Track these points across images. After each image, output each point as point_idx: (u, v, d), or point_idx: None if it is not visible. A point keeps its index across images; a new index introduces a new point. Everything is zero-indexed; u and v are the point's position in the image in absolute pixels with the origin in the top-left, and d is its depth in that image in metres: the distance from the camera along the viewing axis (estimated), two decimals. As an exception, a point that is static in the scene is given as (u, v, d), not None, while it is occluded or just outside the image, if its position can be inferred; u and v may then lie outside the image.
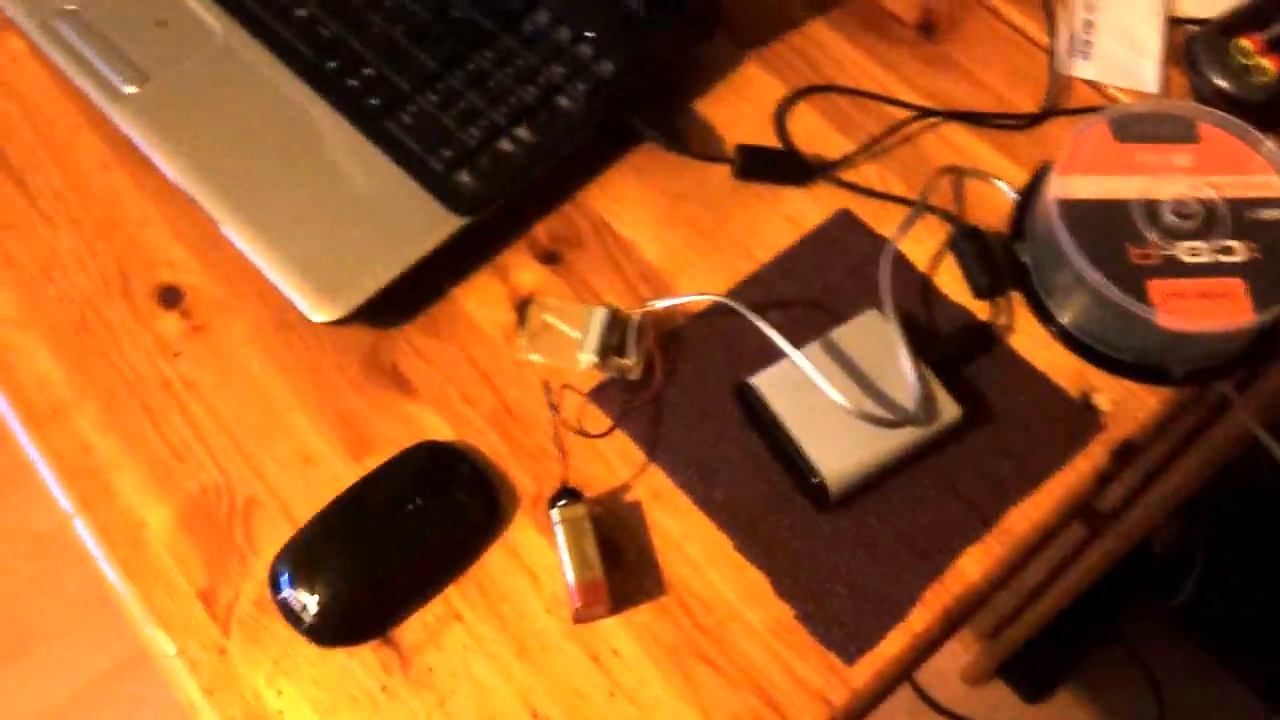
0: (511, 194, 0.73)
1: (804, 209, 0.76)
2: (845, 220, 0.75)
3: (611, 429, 0.69)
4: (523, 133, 0.74)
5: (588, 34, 0.77)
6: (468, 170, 0.73)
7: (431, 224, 0.72)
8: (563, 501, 0.64)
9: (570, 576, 0.63)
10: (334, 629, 0.63)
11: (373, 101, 0.76)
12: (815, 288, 0.73)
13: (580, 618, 0.63)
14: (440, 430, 0.70)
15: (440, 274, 0.74)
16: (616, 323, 0.71)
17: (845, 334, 0.69)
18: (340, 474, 0.69)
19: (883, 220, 0.76)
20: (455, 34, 0.78)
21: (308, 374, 0.72)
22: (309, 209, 0.73)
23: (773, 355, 0.68)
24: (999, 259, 0.74)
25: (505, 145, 0.74)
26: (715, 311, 0.72)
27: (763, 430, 0.68)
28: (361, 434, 0.70)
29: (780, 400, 0.66)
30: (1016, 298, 0.73)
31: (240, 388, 0.72)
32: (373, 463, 0.68)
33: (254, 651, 0.64)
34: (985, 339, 0.72)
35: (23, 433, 0.71)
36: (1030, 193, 0.76)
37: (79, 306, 0.75)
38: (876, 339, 0.69)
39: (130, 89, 0.77)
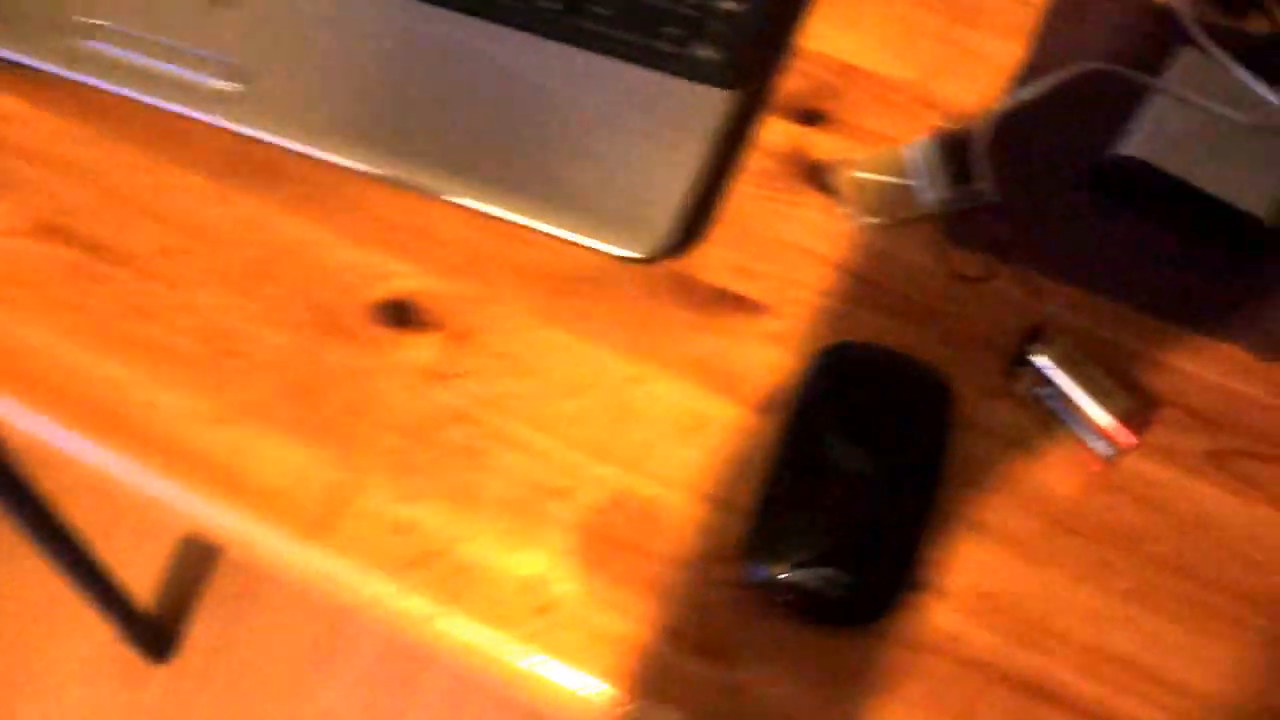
0: (763, 52, 0.61)
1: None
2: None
3: (997, 268, 0.59)
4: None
5: None
6: (701, 42, 0.60)
7: (699, 108, 0.59)
8: (1034, 345, 0.54)
9: (1099, 416, 0.53)
10: (868, 598, 0.51)
11: (544, 3, 0.61)
12: (1098, 49, 0.65)
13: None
14: (819, 337, 0.57)
15: (719, 174, 0.61)
16: (947, 145, 0.61)
17: (1173, 80, 0.61)
18: (743, 424, 0.55)
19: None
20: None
21: (634, 332, 0.58)
22: (545, 143, 0.58)
23: (1107, 127, 0.60)
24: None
25: (726, 3, 0.61)
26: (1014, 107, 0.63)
27: (1151, 208, 0.60)
28: (736, 375, 0.57)
29: (1169, 159, 0.58)
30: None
31: (559, 379, 0.57)
32: (765, 401, 0.55)
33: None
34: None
35: (309, 550, 0.53)
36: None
37: (287, 370, 0.57)
38: (1205, 76, 0.61)
39: (235, 86, 0.59)
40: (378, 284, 0.59)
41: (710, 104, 0.59)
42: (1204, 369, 0.57)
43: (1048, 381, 0.54)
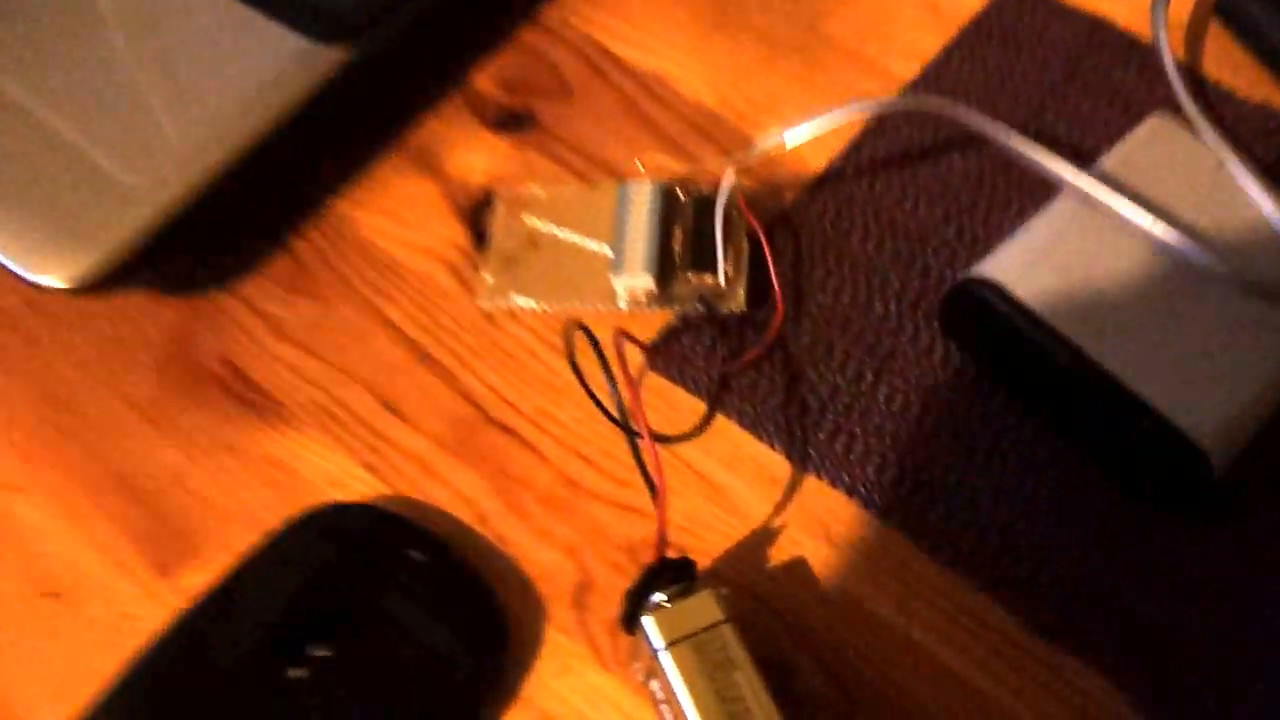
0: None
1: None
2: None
3: (705, 420, 0.33)
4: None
5: None
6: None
7: (272, 69, 0.35)
8: (660, 597, 0.28)
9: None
10: None
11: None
12: (1020, 97, 0.38)
13: None
14: (345, 483, 0.33)
15: (301, 174, 0.38)
16: (676, 205, 0.35)
17: (1125, 159, 0.34)
18: (137, 610, 0.31)
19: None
20: None
21: (43, 405, 0.34)
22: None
23: (979, 232, 0.33)
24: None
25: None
26: (851, 163, 0.37)
27: (1013, 371, 0.33)
28: (173, 517, 0.33)
29: (1052, 302, 0.31)
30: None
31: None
32: (202, 577, 0.31)
33: None
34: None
35: None
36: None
37: None
38: (1179, 159, 0.33)
39: None
40: None
41: (298, 63, 0.35)
42: None
43: (662, 673, 0.27)
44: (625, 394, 0.29)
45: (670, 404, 0.33)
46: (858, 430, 0.33)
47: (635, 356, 0.33)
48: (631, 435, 0.29)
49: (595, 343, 0.30)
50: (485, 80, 0.40)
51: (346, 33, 0.36)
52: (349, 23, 0.36)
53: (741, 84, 0.39)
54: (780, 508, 0.32)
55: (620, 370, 0.30)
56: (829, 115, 0.32)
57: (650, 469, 0.29)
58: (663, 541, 0.28)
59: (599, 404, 0.31)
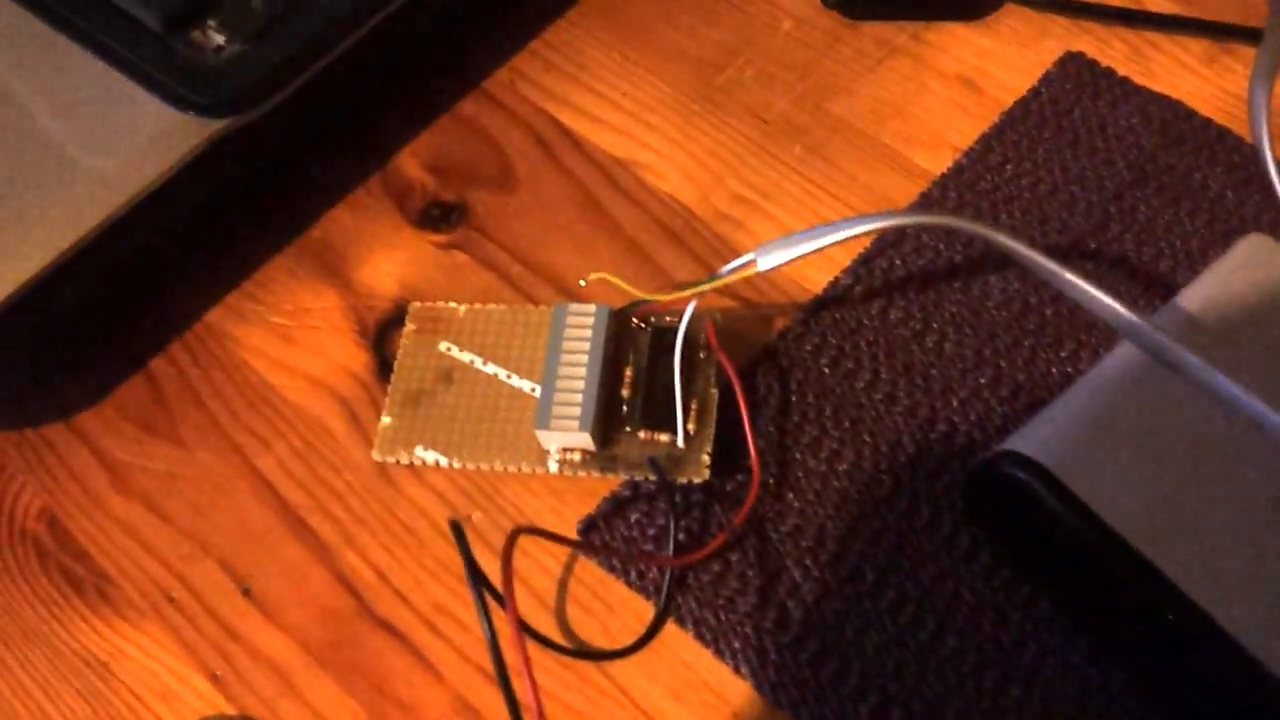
0: (326, 57, 0.30)
1: (988, 58, 0.33)
2: (1081, 69, 0.32)
3: (652, 629, 0.25)
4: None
5: None
6: (216, 21, 0.29)
7: (132, 141, 0.28)
8: None
9: None
10: None
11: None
12: (1077, 206, 0.30)
13: None
14: (180, 697, 0.25)
15: (171, 273, 0.30)
16: (629, 337, 0.27)
17: (1211, 296, 0.26)
18: None
19: (1162, 70, 0.33)
20: None
21: None
22: None
23: (1020, 380, 0.25)
24: None
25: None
26: (860, 282, 0.29)
27: (1057, 580, 0.25)
28: (-44, 735, 0.25)
29: (1114, 497, 0.23)
30: None
31: None
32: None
33: None
34: None
35: None
36: None
37: None
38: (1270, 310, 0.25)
39: None
40: None
41: (157, 142, 0.28)
42: None
43: None
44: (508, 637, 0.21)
45: (607, 604, 0.25)
46: (851, 654, 0.25)
47: (552, 552, 0.25)
48: (509, 697, 0.21)
49: (470, 562, 0.22)
50: (411, 162, 0.32)
51: (222, 107, 0.28)
52: (224, 94, 0.28)
53: (725, 176, 0.31)
54: (743, 763, 0.24)
55: (504, 583, 0.22)
56: (812, 235, 0.24)
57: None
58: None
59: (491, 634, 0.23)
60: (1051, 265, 0.24)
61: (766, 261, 0.24)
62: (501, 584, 0.21)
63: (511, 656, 0.21)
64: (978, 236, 0.25)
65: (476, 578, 0.21)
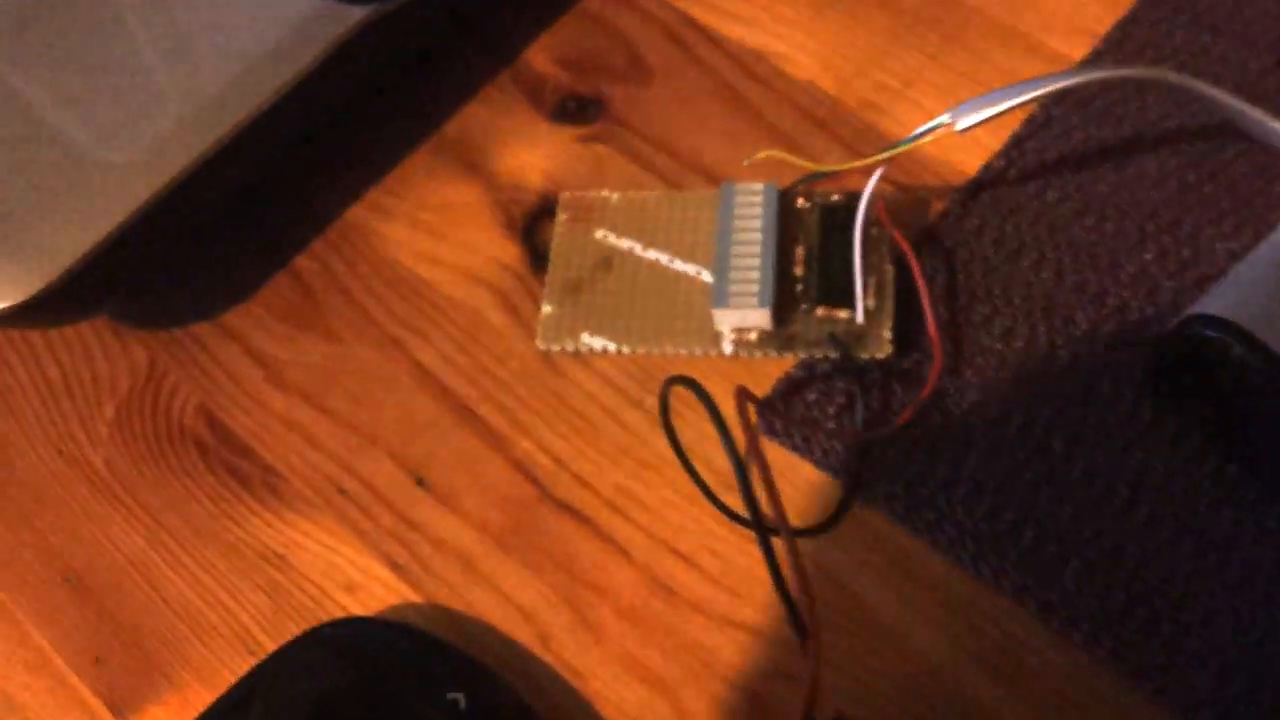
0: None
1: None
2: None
3: (840, 507, 0.25)
4: None
5: None
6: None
7: (271, 34, 0.27)
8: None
9: None
10: None
11: None
12: (1244, 69, 0.30)
13: None
14: (364, 587, 0.25)
15: (310, 173, 0.30)
16: (797, 217, 0.27)
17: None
18: None
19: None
20: None
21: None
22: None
23: (1186, 255, 0.25)
24: None
25: None
26: (1014, 164, 0.28)
27: (1257, 446, 0.25)
28: (133, 631, 0.25)
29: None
30: None
31: None
32: (170, 716, 0.23)
33: None
34: None
35: None
36: None
37: None
38: None
39: None
40: None
41: (309, 27, 0.27)
42: None
43: None
44: (756, 480, 0.21)
45: (791, 483, 0.25)
46: (1048, 523, 0.24)
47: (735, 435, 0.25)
48: (764, 537, 0.21)
49: (713, 407, 0.21)
50: (542, 57, 0.31)
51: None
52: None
53: (864, 64, 0.31)
54: (944, 629, 0.24)
55: (747, 442, 0.21)
56: (1006, 94, 0.24)
57: (794, 594, 0.21)
58: (813, 699, 0.20)
59: (711, 495, 0.23)
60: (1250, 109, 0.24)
61: (964, 121, 0.23)
62: (745, 444, 0.21)
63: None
64: (1194, 92, 0.25)
65: (726, 436, 0.21)
